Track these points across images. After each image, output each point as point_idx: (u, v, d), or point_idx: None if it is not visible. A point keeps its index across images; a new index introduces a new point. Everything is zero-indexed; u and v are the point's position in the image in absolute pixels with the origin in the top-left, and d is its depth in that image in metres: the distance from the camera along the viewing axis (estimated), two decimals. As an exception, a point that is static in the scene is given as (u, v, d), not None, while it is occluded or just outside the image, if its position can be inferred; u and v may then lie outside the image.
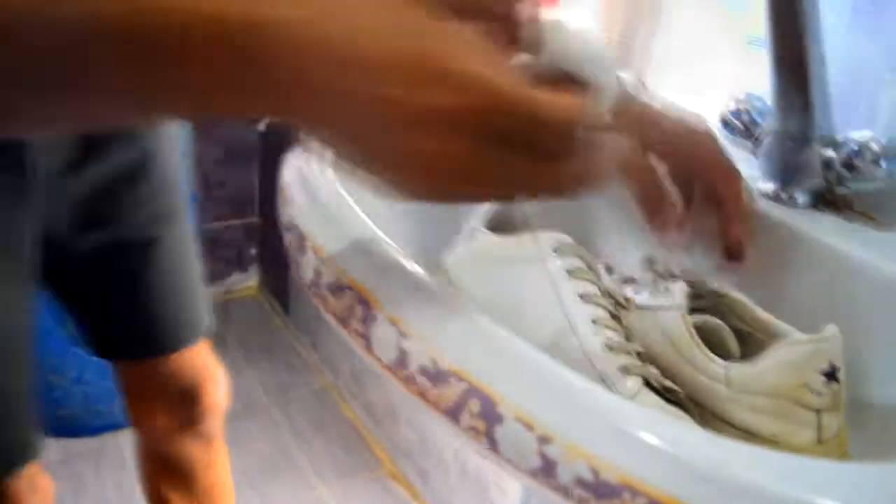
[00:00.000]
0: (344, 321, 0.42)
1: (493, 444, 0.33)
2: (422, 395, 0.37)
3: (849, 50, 0.73)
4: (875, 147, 0.63)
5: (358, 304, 0.41)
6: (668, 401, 0.52)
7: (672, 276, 0.58)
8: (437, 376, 0.36)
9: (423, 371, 0.37)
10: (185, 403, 0.92)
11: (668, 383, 0.52)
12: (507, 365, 0.37)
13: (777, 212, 0.67)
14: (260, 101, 0.32)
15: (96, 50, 0.29)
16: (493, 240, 0.61)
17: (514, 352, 0.38)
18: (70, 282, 0.81)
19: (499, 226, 0.65)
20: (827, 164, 0.65)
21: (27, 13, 0.28)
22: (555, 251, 0.57)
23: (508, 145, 0.32)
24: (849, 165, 0.64)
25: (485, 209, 0.65)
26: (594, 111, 0.33)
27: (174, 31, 0.29)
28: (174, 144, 0.84)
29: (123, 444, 1.49)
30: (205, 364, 0.92)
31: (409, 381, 0.37)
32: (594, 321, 0.54)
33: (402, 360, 0.38)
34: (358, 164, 0.34)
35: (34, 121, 0.33)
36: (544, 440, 0.32)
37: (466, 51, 0.31)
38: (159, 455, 0.97)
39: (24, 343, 0.73)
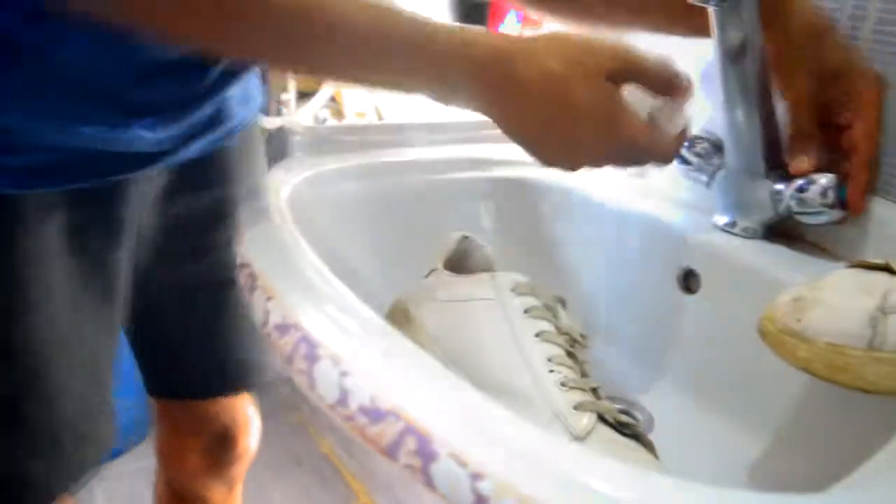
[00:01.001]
0: (289, 360, 0.43)
1: (429, 481, 0.34)
2: (361, 433, 0.38)
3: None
4: (824, 180, 0.64)
5: (302, 344, 0.43)
6: (625, 434, 0.53)
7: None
8: (376, 415, 0.37)
9: (363, 409, 0.38)
10: (220, 446, 0.91)
11: (624, 418, 0.53)
12: (443, 403, 0.37)
13: (730, 243, 0.69)
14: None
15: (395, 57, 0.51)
16: (452, 279, 0.62)
17: (451, 390, 0.39)
18: (142, 316, 0.77)
19: (457, 265, 0.66)
20: (778, 197, 0.67)
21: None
22: (512, 290, 0.59)
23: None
24: (799, 199, 0.66)
25: (445, 250, 0.66)
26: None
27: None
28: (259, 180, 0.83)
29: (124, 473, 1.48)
30: (245, 409, 0.91)
31: (349, 419, 0.38)
32: (549, 359, 0.55)
33: (343, 398, 0.39)
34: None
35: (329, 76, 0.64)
36: (477, 477, 0.33)
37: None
38: (182, 494, 0.96)
39: (107, 379, 0.71)
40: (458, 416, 0.36)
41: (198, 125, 0.66)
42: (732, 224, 0.70)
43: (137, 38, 0.51)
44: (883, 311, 0.45)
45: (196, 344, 0.81)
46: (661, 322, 0.72)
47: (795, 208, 0.66)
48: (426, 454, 0.35)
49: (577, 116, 0.52)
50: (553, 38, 0.53)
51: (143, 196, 0.68)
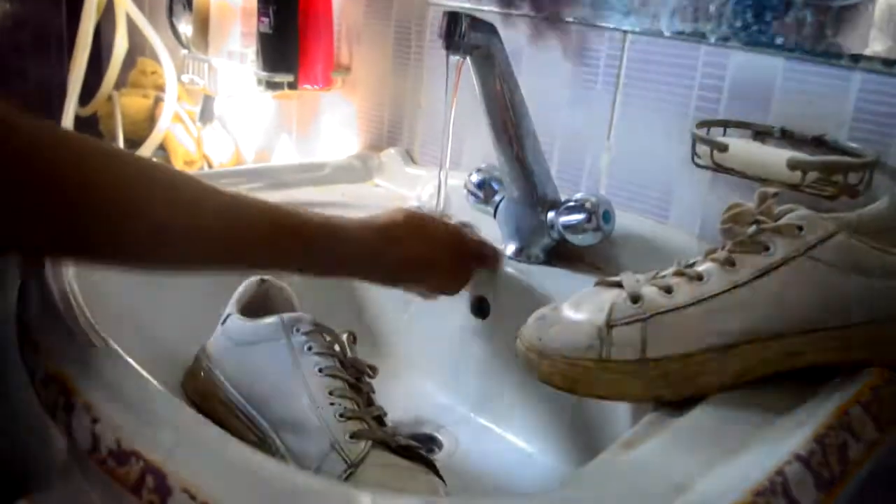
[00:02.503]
0: (52, 411, 0.45)
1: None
2: (111, 474, 0.39)
3: (569, 123, 0.82)
4: (589, 206, 0.70)
5: (61, 395, 0.44)
6: (408, 457, 0.56)
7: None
8: (121, 457, 0.39)
9: (111, 453, 0.40)
10: None
11: (406, 441, 0.56)
12: (180, 442, 0.40)
13: (516, 268, 0.74)
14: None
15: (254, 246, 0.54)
16: (244, 323, 0.64)
17: (186, 429, 0.41)
18: None
19: (260, 308, 0.68)
20: (552, 224, 0.72)
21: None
22: (297, 329, 0.61)
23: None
24: (570, 224, 0.71)
25: (243, 294, 0.68)
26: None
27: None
28: None
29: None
30: None
31: (102, 463, 0.40)
32: (331, 392, 0.57)
33: (95, 444, 0.41)
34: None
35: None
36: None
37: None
38: None
39: None
40: (191, 453, 0.38)
41: None
42: (518, 251, 0.75)
43: None
44: (608, 324, 0.50)
45: None
46: (458, 348, 0.76)
47: (565, 233, 0.71)
48: (162, 490, 0.37)
49: (441, 247, 0.66)
50: (405, 216, 0.64)
51: None
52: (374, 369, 0.62)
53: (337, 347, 0.61)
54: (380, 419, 0.58)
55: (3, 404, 0.75)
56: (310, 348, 0.60)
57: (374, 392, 0.61)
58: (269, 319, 0.62)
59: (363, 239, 0.61)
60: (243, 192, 0.55)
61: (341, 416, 0.56)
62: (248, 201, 0.54)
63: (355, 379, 0.60)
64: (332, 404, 0.57)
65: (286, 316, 0.62)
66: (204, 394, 0.64)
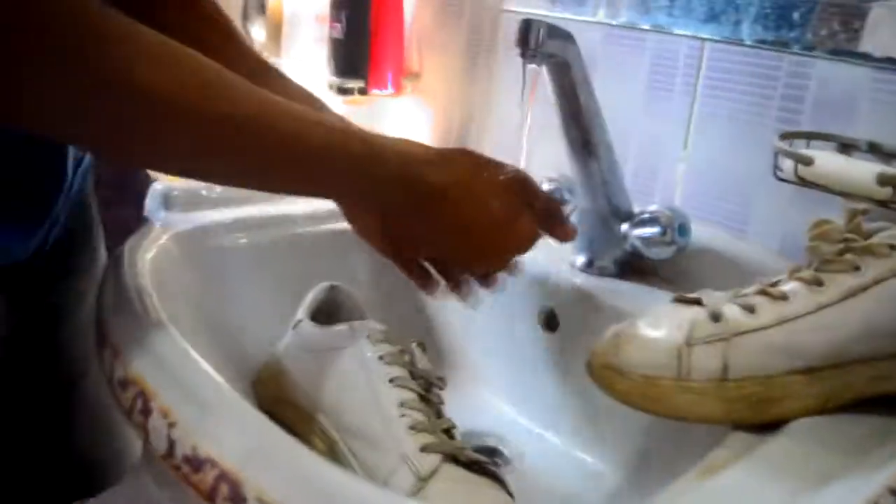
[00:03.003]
0: (129, 414, 0.45)
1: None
2: (186, 480, 0.40)
3: (645, 131, 0.80)
4: (664, 219, 0.69)
5: (138, 398, 0.45)
6: (478, 472, 0.55)
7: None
8: (197, 463, 0.39)
9: (186, 459, 0.40)
10: None
11: (474, 456, 0.55)
12: (255, 451, 0.40)
13: (587, 281, 0.72)
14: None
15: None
16: (315, 330, 0.64)
17: (261, 437, 0.41)
18: None
19: (328, 315, 0.68)
20: (625, 236, 0.71)
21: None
22: (368, 338, 0.61)
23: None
24: (644, 237, 0.70)
25: (312, 300, 0.68)
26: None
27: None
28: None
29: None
30: None
31: (177, 469, 0.40)
32: (401, 404, 0.57)
33: (171, 449, 0.41)
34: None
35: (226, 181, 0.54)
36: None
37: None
38: None
39: None
40: (268, 463, 0.39)
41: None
42: (589, 263, 0.74)
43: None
44: (688, 343, 0.48)
45: (45, 449, 0.77)
46: (525, 361, 0.75)
47: (639, 246, 0.70)
48: (237, 499, 0.37)
49: (487, 223, 0.57)
50: (461, 151, 0.59)
51: None
52: (443, 381, 0.62)
53: (407, 357, 0.61)
54: (449, 432, 0.58)
55: (79, 405, 0.77)
56: (381, 357, 0.60)
57: (443, 404, 0.60)
58: (340, 326, 0.62)
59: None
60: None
61: (411, 427, 0.55)
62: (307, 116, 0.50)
63: (425, 390, 0.60)
64: (402, 416, 0.56)
65: (357, 323, 0.62)
66: (275, 399, 0.64)
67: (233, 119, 0.45)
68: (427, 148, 0.57)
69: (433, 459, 0.53)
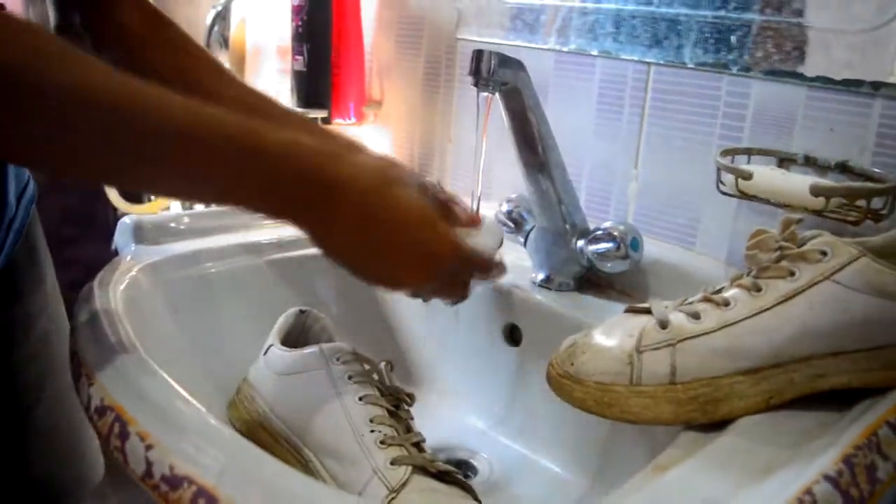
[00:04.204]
0: (107, 440, 0.47)
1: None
2: (165, 499, 0.41)
3: (597, 152, 0.84)
4: (617, 234, 0.72)
5: (115, 423, 0.46)
6: (448, 482, 0.58)
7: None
8: (175, 482, 0.41)
9: (164, 478, 0.42)
10: None
11: (443, 467, 0.58)
12: (230, 467, 0.42)
13: (547, 296, 0.75)
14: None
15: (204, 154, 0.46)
16: (286, 353, 0.66)
17: (235, 454, 0.43)
18: None
19: (298, 338, 0.71)
20: (582, 252, 0.74)
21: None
22: (337, 359, 0.63)
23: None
24: (600, 252, 0.73)
25: (283, 325, 0.71)
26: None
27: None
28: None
29: None
30: None
31: (155, 489, 0.42)
32: (371, 420, 0.59)
33: (148, 470, 0.43)
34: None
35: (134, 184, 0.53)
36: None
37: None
38: None
39: None
40: (243, 478, 0.41)
41: None
42: (548, 279, 0.77)
43: None
44: (638, 349, 0.51)
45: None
46: (491, 375, 0.77)
47: (594, 261, 0.73)
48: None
49: (400, 220, 0.53)
50: (375, 156, 0.56)
51: None
52: (411, 397, 0.64)
53: (376, 376, 0.63)
54: (419, 445, 0.60)
55: (34, 432, 0.78)
56: (350, 377, 0.62)
57: (412, 419, 0.63)
58: (310, 349, 0.65)
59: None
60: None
61: (381, 442, 0.58)
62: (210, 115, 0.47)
63: (394, 406, 0.62)
64: (372, 431, 0.59)
65: (326, 346, 0.64)
66: (248, 422, 0.66)
67: (90, 92, 0.42)
68: (334, 142, 0.56)
69: (403, 471, 0.56)
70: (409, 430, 0.62)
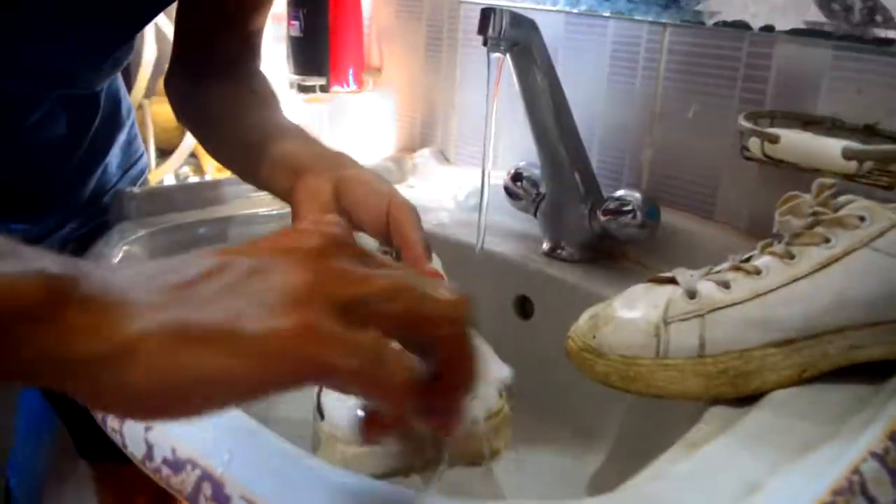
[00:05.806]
0: (104, 423, 0.44)
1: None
2: (167, 483, 0.39)
3: (610, 116, 0.80)
4: (632, 203, 0.69)
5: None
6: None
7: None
8: (177, 465, 0.38)
9: (166, 461, 0.39)
10: (166, 501, 0.89)
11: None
12: (234, 448, 0.39)
13: (557, 267, 0.72)
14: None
15: None
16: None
17: (243, 435, 0.41)
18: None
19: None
20: (592, 220, 0.71)
21: None
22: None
23: None
24: (616, 220, 0.70)
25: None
26: None
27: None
28: None
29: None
30: None
31: (156, 472, 0.39)
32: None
33: (149, 452, 0.40)
34: None
35: None
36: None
37: None
38: None
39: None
40: (247, 461, 0.38)
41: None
42: (560, 249, 0.74)
43: None
44: (665, 321, 0.49)
45: None
46: (502, 348, 0.74)
47: (611, 229, 0.70)
48: (220, 498, 0.36)
49: None
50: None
51: None
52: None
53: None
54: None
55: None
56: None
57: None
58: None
59: None
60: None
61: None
62: None
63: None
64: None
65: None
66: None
67: None
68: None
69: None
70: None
